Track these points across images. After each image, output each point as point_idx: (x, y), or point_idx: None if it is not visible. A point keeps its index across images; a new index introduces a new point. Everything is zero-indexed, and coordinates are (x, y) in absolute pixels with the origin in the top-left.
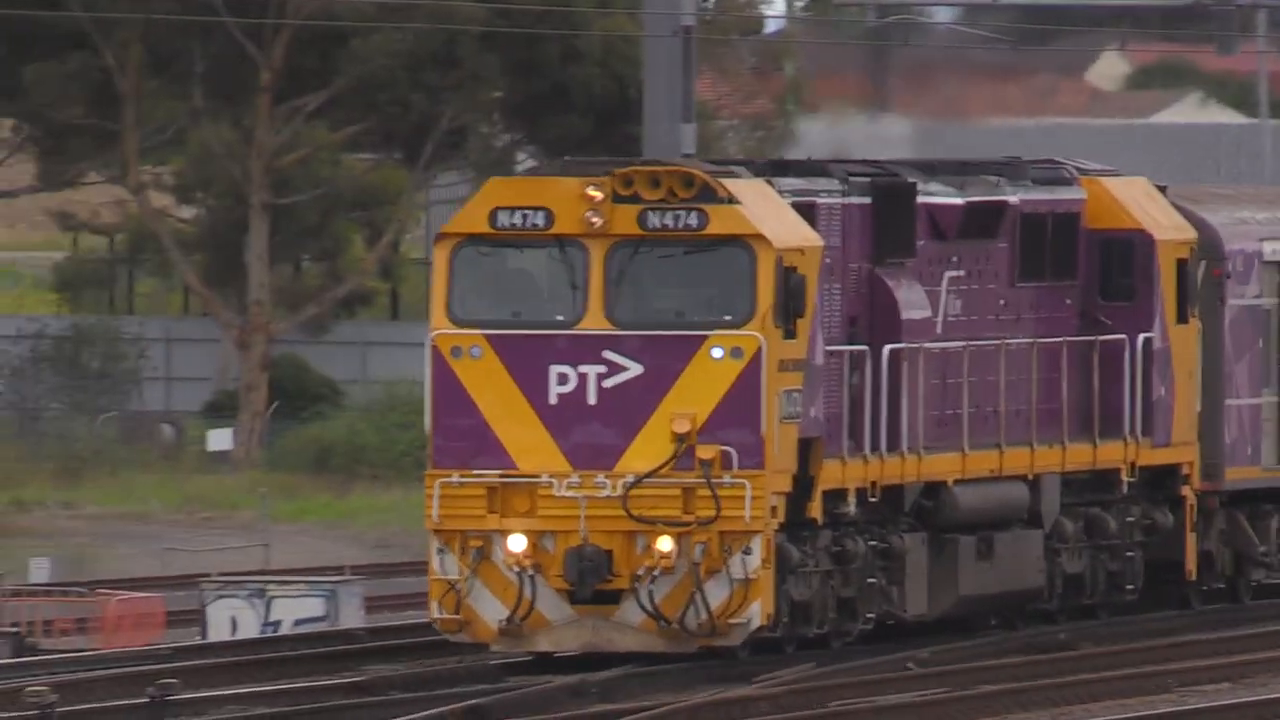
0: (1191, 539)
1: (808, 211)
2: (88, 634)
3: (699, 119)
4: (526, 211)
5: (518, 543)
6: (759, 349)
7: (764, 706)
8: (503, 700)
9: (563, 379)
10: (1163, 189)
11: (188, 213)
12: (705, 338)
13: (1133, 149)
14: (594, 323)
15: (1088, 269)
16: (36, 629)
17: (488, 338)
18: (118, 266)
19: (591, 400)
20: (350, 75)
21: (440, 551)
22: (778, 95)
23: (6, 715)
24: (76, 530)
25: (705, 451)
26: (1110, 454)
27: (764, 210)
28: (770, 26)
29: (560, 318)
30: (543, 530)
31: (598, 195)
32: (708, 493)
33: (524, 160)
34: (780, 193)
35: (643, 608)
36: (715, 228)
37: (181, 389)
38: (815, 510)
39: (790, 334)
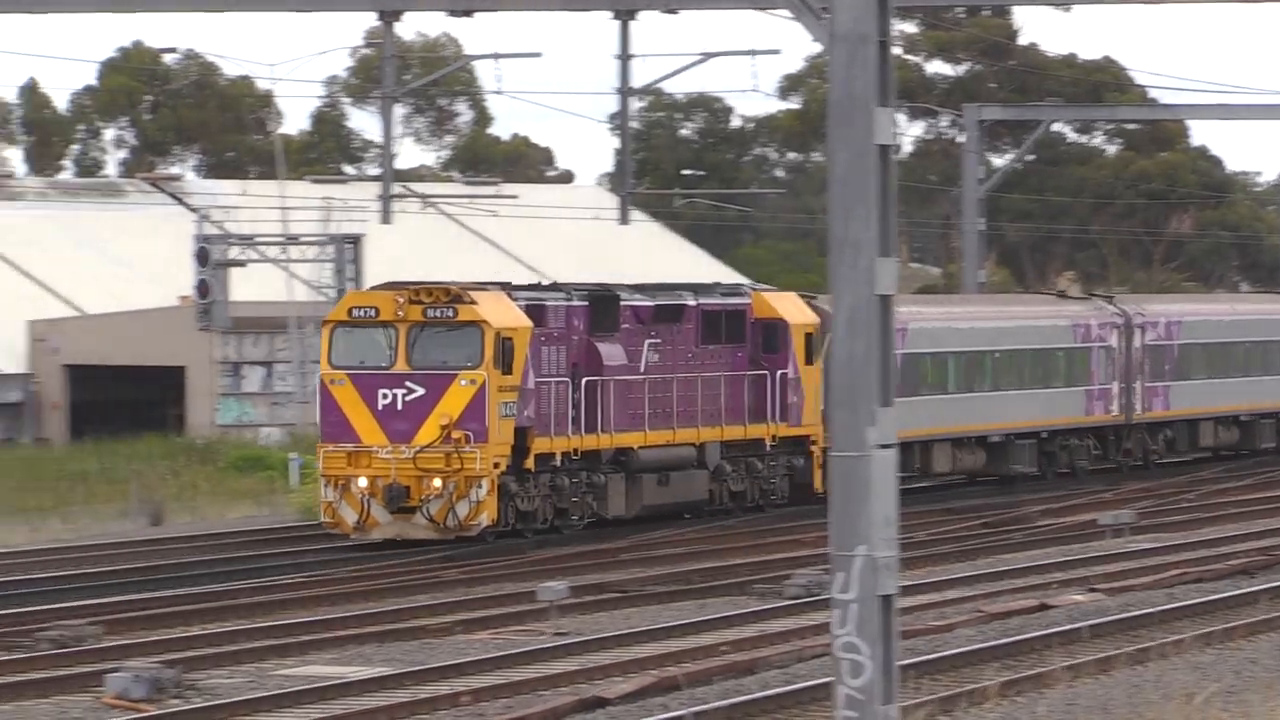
0: (818, 473)
1: (538, 309)
2: None
3: None
4: (364, 308)
5: (362, 481)
6: (484, 380)
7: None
8: None
9: (385, 395)
10: (812, 297)
11: None
12: (456, 374)
13: None
14: (400, 367)
15: (754, 338)
16: None
17: (348, 374)
18: None
19: (399, 407)
20: None
21: (325, 486)
22: None
23: None
24: None
25: (456, 434)
26: (757, 431)
27: (492, 307)
28: None
29: (383, 364)
30: (374, 475)
31: (401, 300)
32: (458, 456)
33: None
34: (515, 301)
35: (425, 516)
36: (461, 316)
37: None
38: (530, 463)
39: (507, 372)
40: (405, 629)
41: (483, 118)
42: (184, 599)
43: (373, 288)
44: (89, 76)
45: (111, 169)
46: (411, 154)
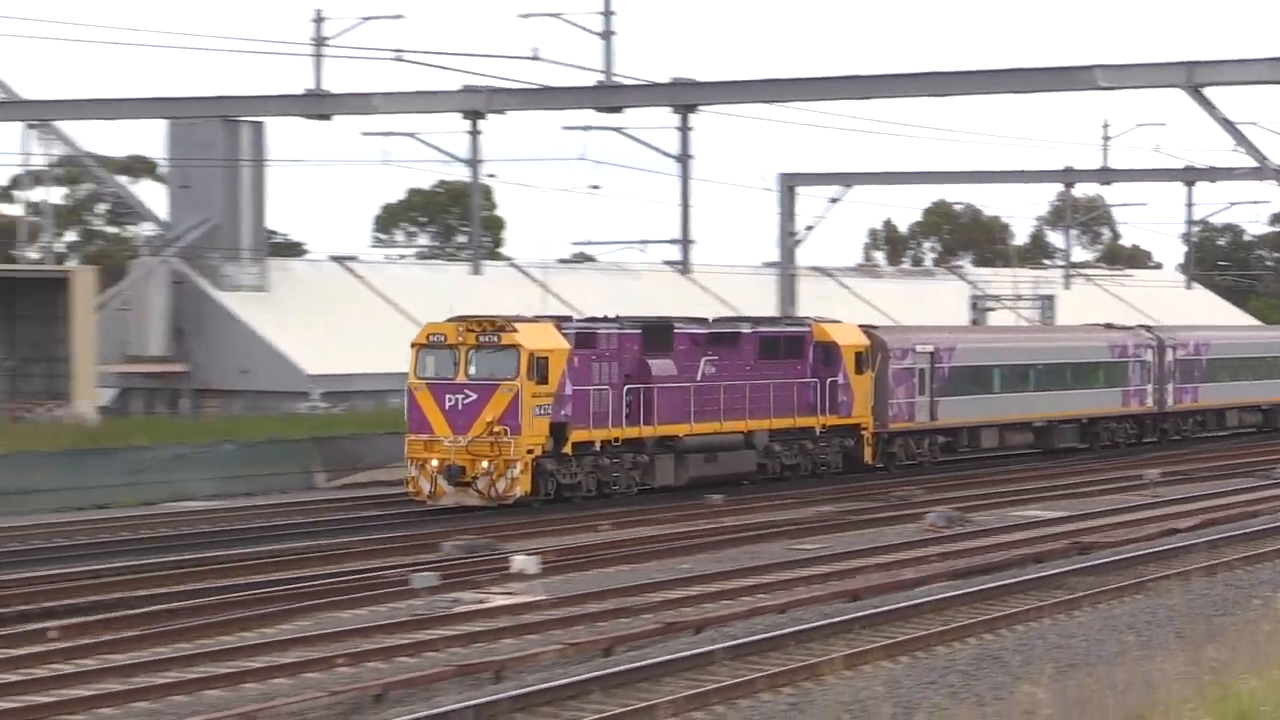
0: (867, 450)
1: (589, 335)
2: None
3: None
4: (437, 335)
5: (433, 462)
6: (518, 389)
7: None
8: None
9: (450, 399)
10: (874, 327)
11: None
12: (499, 384)
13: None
14: (461, 378)
15: (815, 355)
16: None
17: (426, 383)
18: None
19: (460, 408)
20: None
21: (409, 464)
22: None
23: None
24: None
25: (497, 428)
26: (807, 421)
27: (529, 334)
28: None
29: (450, 376)
30: (441, 458)
31: (461, 329)
32: (498, 444)
33: None
34: (565, 330)
35: (475, 489)
36: (504, 341)
37: None
38: (568, 449)
39: (542, 382)
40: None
41: (1115, 234)
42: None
43: (446, 320)
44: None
45: (927, 262)
46: (1077, 253)
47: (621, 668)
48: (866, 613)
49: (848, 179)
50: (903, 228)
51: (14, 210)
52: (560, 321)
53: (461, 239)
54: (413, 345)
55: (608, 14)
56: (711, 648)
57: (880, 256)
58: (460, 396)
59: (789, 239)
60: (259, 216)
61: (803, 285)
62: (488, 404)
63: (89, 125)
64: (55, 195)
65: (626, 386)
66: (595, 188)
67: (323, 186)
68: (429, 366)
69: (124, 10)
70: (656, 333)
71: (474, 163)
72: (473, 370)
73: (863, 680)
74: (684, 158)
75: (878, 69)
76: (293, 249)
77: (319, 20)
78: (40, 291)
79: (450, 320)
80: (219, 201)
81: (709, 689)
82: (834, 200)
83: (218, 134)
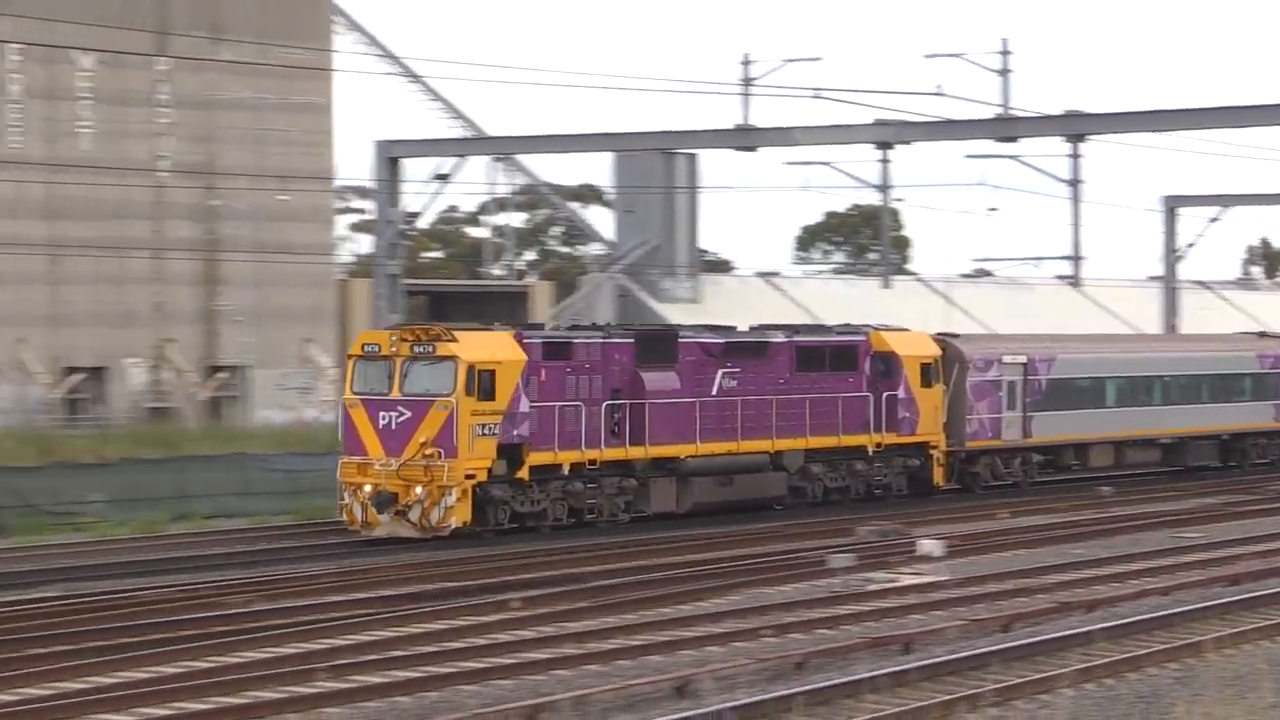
0: (938, 471)
1: (561, 346)
2: None
3: None
4: (371, 345)
5: (367, 488)
6: (454, 406)
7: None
8: None
9: (384, 417)
10: (952, 336)
11: None
12: (434, 400)
13: None
14: (395, 394)
15: (873, 366)
16: None
17: (361, 399)
18: None
19: (394, 427)
20: None
21: (343, 490)
22: None
23: None
24: None
25: (429, 450)
26: (855, 440)
27: (471, 345)
28: None
29: (384, 391)
30: (374, 483)
31: (395, 338)
32: (431, 469)
33: None
34: (527, 340)
35: (410, 518)
36: (439, 352)
37: None
38: (524, 473)
39: (487, 398)
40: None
41: None
42: None
43: (385, 329)
44: None
45: None
46: None
47: (1019, 642)
48: (1246, 596)
49: (1226, 200)
50: (1278, 244)
51: (481, 233)
52: (524, 330)
53: (873, 256)
54: (349, 356)
55: (1005, 53)
56: (1092, 628)
57: (1258, 271)
58: (394, 414)
59: (1171, 255)
60: (693, 237)
61: (1184, 298)
62: (422, 423)
63: (545, 158)
64: (516, 220)
65: (608, 403)
66: (993, 210)
67: (748, 210)
68: (363, 380)
69: (577, 56)
70: (654, 343)
71: (884, 188)
72: (407, 385)
73: (1243, 657)
74: (1075, 182)
75: (1253, 98)
76: (722, 266)
77: (746, 63)
78: (504, 302)
79: (389, 328)
80: (658, 224)
81: (1098, 664)
82: (1213, 220)
83: (657, 165)
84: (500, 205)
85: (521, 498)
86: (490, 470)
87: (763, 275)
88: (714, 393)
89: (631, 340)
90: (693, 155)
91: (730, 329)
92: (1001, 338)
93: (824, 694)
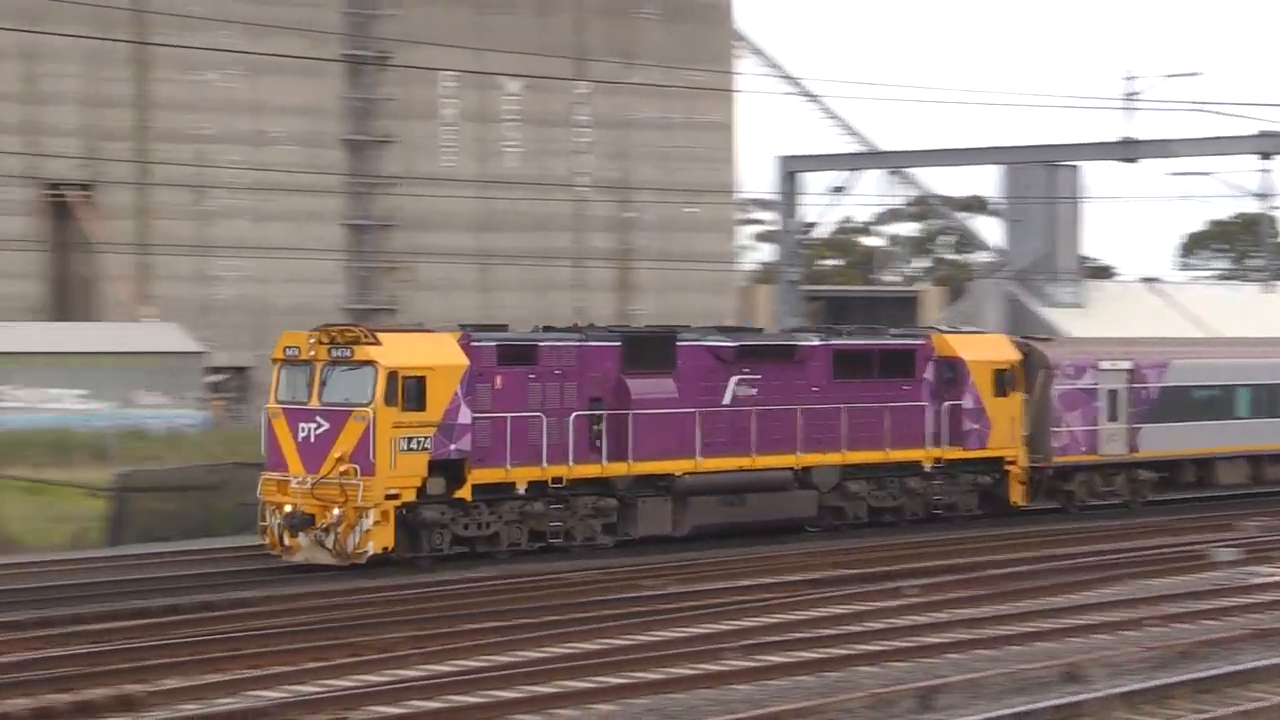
0: (1017, 488)
1: (530, 349)
2: None
3: None
4: (292, 348)
5: (287, 508)
6: (371, 417)
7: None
8: None
9: (303, 429)
10: (1035, 339)
11: None
12: (351, 410)
13: None
14: (313, 403)
15: (936, 373)
16: None
17: (282, 408)
18: None
19: (312, 440)
20: None
21: (264, 509)
22: None
23: None
24: None
25: (344, 467)
26: (907, 454)
27: (394, 349)
28: None
29: (303, 400)
30: (292, 502)
31: (313, 340)
32: (345, 487)
33: None
34: (478, 342)
35: (327, 543)
36: (357, 356)
37: None
38: (465, 493)
39: (413, 408)
40: None
41: None
42: None
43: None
44: None
45: None
46: None
47: None
48: None
49: None
50: None
51: (875, 242)
52: (476, 330)
53: (1255, 262)
54: (272, 360)
55: None
56: None
57: None
58: (312, 426)
59: None
60: (1076, 245)
61: None
62: (339, 436)
63: (936, 171)
64: (909, 229)
65: (580, 413)
66: None
67: (1130, 219)
68: (287, 388)
69: (965, 74)
70: (645, 346)
71: (1265, 196)
72: (326, 393)
73: None
74: None
75: None
76: (1105, 272)
77: (1129, 78)
78: (896, 307)
79: (313, 330)
80: (1043, 233)
81: None
82: None
83: (1041, 176)
84: (893, 216)
85: (465, 520)
86: (421, 489)
87: (1145, 280)
88: (725, 402)
89: (617, 343)
90: (1074, 167)
91: (752, 331)
92: (1101, 342)
93: (1209, 683)
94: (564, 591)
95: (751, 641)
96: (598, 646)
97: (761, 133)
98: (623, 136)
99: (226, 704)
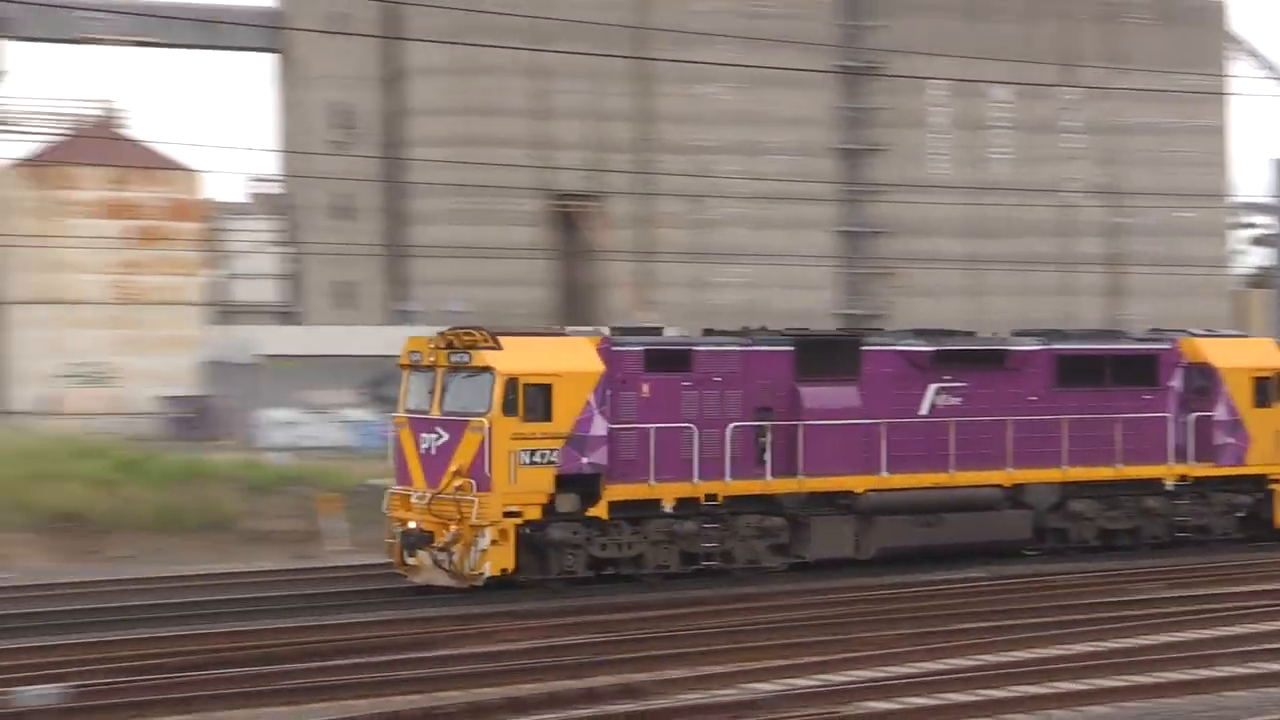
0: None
1: (683, 355)
2: None
3: None
4: (415, 352)
5: (412, 524)
6: (487, 427)
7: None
8: None
9: (425, 440)
10: None
11: None
12: (468, 420)
13: None
14: (435, 412)
15: (1185, 381)
16: None
17: (408, 418)
18: None
19: (434, 452)
20: None
21: (391, 527)
22: None
23: None
24: None
25: (459, 481)
26: (1145, 470)
27: (519, 353)
28: None
29: (426, 409)
30: (414, 518)
31: (433, 345)
32: (460, 504)
33: None
34: (623, 347)
35: (445, 563)
36: (475, 362)
37: None
38: (601, 510)
39: (534, 418)
40: None
41: None
42: None
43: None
44: None
45: None
46: None
47: None
48: None
49: None
50: None
51: None
52: (619, 334)
53: None
54: (400, 365)
55: None
56: None
57: None
58: (433, 437)
59: None
60: None
61: None
62: (457, 448)
63: None
64: None
65: (738, 424)
66: None
67: None
68: (414, 395)
69: None
70: (823, 350)
71: None
72: (447, 401)
73: None
74: None
75: None
76: None
77: None
78: None
79: (440, 332)
80: None
81: None
82: None
83: None
84: None
85: (602, 540)
86: (549, 507)
87: None
88: (923, 412)
89: (789, 348)
90: None
91: (959, 335)
92: None
93: None
94: (1055, 594)
95: (1249, 649)
96: (1089, 649)
97: (1256, 136)
98: (1113, 141)
99: (724, 695)
